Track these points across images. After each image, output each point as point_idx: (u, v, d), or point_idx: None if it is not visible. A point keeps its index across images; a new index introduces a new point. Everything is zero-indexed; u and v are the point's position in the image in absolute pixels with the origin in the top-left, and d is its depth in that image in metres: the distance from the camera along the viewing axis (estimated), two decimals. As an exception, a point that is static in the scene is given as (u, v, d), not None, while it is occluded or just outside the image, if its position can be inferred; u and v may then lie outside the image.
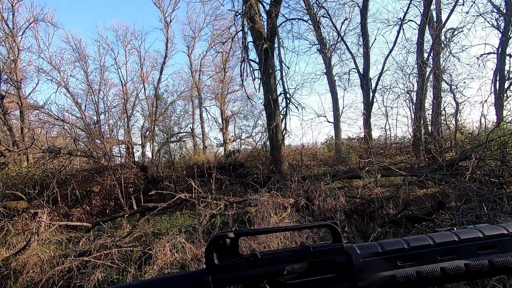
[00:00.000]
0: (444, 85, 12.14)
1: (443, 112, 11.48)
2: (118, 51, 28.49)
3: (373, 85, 12.80)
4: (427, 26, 11.08)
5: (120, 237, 4.53)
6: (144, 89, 20.18)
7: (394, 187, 6.54)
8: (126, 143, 15.91)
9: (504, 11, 10.95)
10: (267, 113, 8.97)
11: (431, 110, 11.34)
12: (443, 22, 11.27)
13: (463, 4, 11.44)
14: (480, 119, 10.81)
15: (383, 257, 0.54)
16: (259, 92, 9.22)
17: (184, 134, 19.98)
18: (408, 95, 13.05)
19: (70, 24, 36.24)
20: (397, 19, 13.97)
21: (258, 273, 0.52)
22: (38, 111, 15.41)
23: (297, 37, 17.31)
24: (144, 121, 20.24)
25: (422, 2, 11.51)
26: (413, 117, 12.00)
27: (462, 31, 12.02)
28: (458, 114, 12.18)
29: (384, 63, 12.61)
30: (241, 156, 11.64)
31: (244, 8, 8.43)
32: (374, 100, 12.87)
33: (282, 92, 8.70)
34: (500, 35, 11.21)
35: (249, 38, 8.85)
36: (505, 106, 10.65)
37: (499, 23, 11.53)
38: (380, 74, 12.64)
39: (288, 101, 8.71)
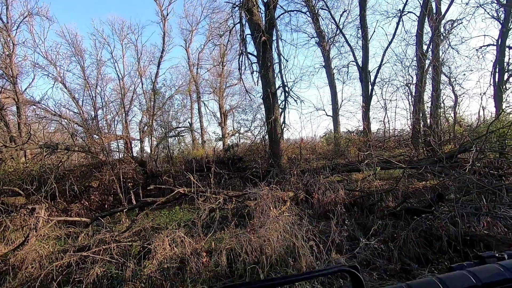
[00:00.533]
0: (443, 78, 12.08)
1: (442, 104, 11.45)
2: (114, 45, 28.16)
3: (372, 78, 12.73)
4: (426, 17, 10.97)
5: (119, 232, 4.52)
6: (142, 84, 20.01)
7: (393, 179, 6.54)
8: (124, 138, 15.84)
9: (504, 2, 10.84)
10: (265, 107, 8.90)
11: (430, 102, 11.31)
12: (442, 13, 11.15)
13: (463, -5, 11.32)
14: (479, 111, 10.81)
15: None
16: (257, 85, 9.13)
17: (183, 128, 19.91)
18: (407, 87, 13.00)
19: (66, 18, 35.71)
20: (396, 11, 13.83)
21: None
22: (35, 107, 15.30)
23: (295, 29, 17.13)
24: (142, 116, 20.15)
25: (422, -7, 11.36)
26: (412, 110, 11.97)
27: (462, 22, 11.91)
28: (457, 107, 12.16)
29: (383, 55, 12.53)
30: (240, 150, 11.60)
31: (241, 0, 8.29)
32: (373, 93, 12.81)
33: (281, 85, 8.62)
34: (500, 26, 11.12)
35: (247, 31, 8.74)
36: (505, 98, 10.62)
37: (499, 14, 11.42)
38: (379, 66, 12.57)
39: (287, 94, 8.63)
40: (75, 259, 3.62)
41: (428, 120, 10.73)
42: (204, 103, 22.08)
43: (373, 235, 4.00)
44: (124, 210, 5.28)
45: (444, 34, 11.95)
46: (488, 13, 11.61)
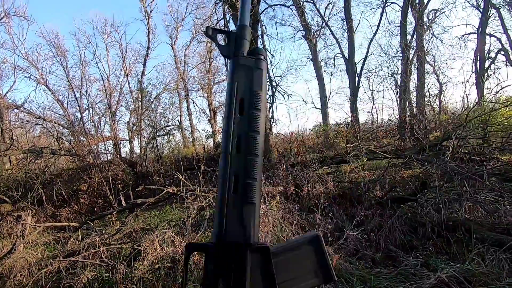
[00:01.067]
0: (427, 67, 12.31)
1: (427, 93, 11.69)
2: (97, 44, 27.43)
3: (359, 69, 12.87)
4: (409, 8, 11.10)
5: (109, 235, 4.49)
6: (128, 83, 19.64)
7: (381, 170, 6.67)
8: (112, 139, 15.59)
9: (484, -10, 11.06)
10: (253, 102, 8.88)
11: (415, 92, 11.52)
12: (425, 3, 11.31)
13: (444, -15, 11.49)
14: (463, 99, 11.06)
15: None
16: (244, 81, 9.10)
17: (172, 127, 19.73)
18: (393, 78, 13.20)
19: (46, 18, 34.59)
20: (380, 2, 13.91)
21: None
22: (17, 110, 14.86)
23: (281, 23, 17.15)
24: (130, 116, 19.84)
25: (404, -17, 11.47)
26: (398, 100, 12.18)
27: (444, 12, 12.12)
28: (442, 95, 12.42)
29: (369, 47, 12.67)
30: (230, 147, 11.57)
31: (224, -5, 8.21)
32: (360, 84, 12.96)
33: (268, 80, 8.62)
34: (480, 15, 11.36)
35: (232, 26, 8.68)
36: (486, 85, 10.91)
37: (479, 3, 11.66)
38: (365, 58, 12.71)
39: (274, 89, 8.66)
40: (64, 264, 3.59)
41: (414, 109, 10.94)
42: (193, 101, 21.92)
43: (361, 224, 4.10)
44: (113, 212, 5.24)
45: (427, 24, 12.15)
46: (468, 1, 11.86)
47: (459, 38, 12.66)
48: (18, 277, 3.67)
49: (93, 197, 8.16)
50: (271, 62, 8.50)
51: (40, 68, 16.38)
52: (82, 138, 12.12)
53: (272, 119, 8.81)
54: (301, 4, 14.43)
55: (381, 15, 12.17)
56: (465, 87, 14.22)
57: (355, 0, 16.94)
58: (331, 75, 17.82)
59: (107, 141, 15.43)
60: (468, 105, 10.89)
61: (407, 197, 4.40)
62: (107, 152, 13.77)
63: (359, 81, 12.89)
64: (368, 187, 5.18)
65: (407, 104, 11.07)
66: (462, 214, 3.73)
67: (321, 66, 16.44)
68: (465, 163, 4.91)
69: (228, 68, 0.74)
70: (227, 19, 8.32)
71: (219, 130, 19.53)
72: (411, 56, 11.10)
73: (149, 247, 3.54)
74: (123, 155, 14.30)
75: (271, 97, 8.67)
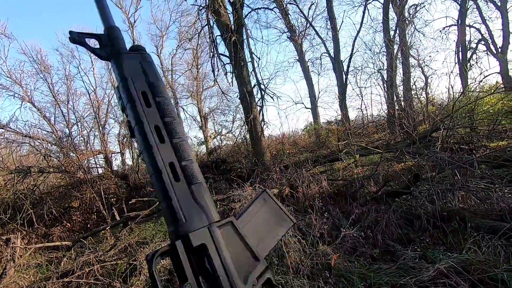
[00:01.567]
0: (412, 61, 12.53)
1: (414, 86, 11.87)
2: (80, 57, 27.03)
3: (345, 67, 13.00)
4: (390, 4, 11.30)
5: (104, 251, 4.38)
6: (115, 94, 19.38)
7: (374, 165, 6.71)
8: (103, 152, 15.33)
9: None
10: (243, 106, 8.87)
11: (402, 86, 11.69)
12: (405, -2, 11.52)
13: (422, -21, 11.75)
14: (448, 90, 11.29)
15: None
16: (232, 86, 9.10)
17: (163, 136, 19.48)
18: (379, 74, 13.37)
19: (27, 34, 34.01)
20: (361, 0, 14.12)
21: None
22: (2, 130, 14.49)
23: (265, 26, 17.21)
24: (120, 128, 19.54)
25: (383, -20, 11.69)
26: (386, 95, 12.33)
27: (424, 6, 12.37)
28: (428, 87, 12.63)
29: (353, 44, 12.81)
30: (223, 152, 11.54)
31: (207, 1, 8.19)
32: (348, 82, 13.09)
33: (256, 83, 8.62)
34: (458, 7, 11.63)
35: (217, 32, 8.66)
36: (469, 75, 11.14)
37: (457, -5, 11.94)
38: (351, 56, 12.84)
39: (263, 92, 8.64)
40: (58, 286, 3.48)
41: (402, 103, 11.10)
42: (183, 108, 21.78)
43: (358, 221, 4.10)
44: (107, 228, 5.11)
45: (408, 19, 12.38)
46: (446, -5, 12.13)
47: (440, 31, 12.97)
48: (10, 302, 3.54)
49: (86, 213, 7.98)
50: (258, 66, 8.49)
51: (24, 86, 16.00)
52: (71, 153, 11.87)
53: (263, 122, 8.79)
54: (285, 6, 14.55)
55: (364, 12, 12.35)
56: (449, 78, 14.52)
57: (337, -1, 17.20)
58: (318, 75, 18.05)
59: (98, 155, 15.16)
60: (453, 95, 11.10)
61: (401, 191, 4.42)
62: (98, 166, 13.53)
63: (346, 78, 13.03)
64: (362, 183, 5.19)
65: (395, 99, 11.22)
66: (456, 203, 3.76)
67: (308, 66, 16.57)
68: (455, 153, 4.98)
69: (113, 68, 0.70)
70: (211, 25, 8.30)
71: (210, 137, 19.45)
72: (395, 51, 11.28)
73: (144, 261, 3.46)
74: (115, 168, 14.07)
75: (261, 100, 8.66)
